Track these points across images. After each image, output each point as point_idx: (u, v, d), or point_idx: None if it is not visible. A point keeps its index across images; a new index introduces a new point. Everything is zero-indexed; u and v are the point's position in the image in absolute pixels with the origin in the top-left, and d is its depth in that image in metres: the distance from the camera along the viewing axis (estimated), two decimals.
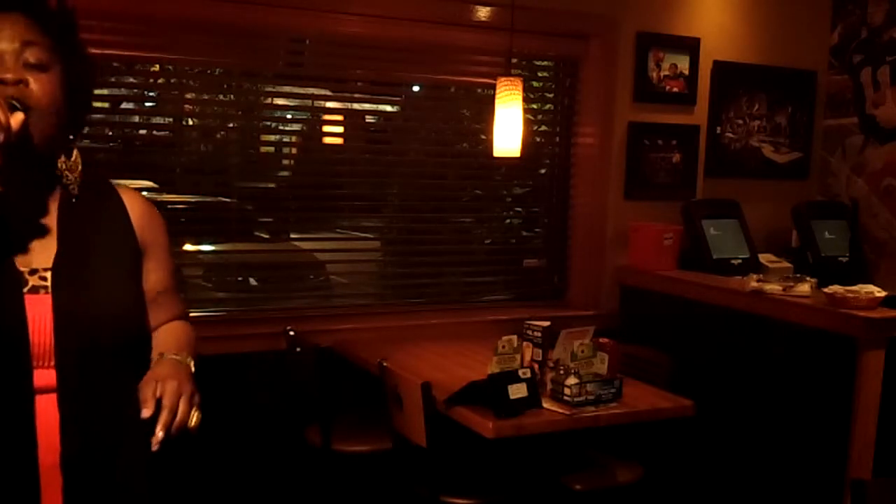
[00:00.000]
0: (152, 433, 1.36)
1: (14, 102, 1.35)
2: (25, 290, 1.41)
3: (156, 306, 1.60)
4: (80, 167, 1.52)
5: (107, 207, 1.55)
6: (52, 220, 1.48)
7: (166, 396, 1.39)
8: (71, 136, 1.51)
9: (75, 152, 1.53)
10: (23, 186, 1.43)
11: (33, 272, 1.43)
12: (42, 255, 1.45)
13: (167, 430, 1.37)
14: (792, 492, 3.44)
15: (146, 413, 1.37)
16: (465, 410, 2.75)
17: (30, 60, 1.40)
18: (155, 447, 1.36)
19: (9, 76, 1.38)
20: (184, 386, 1.44)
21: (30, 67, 1.40)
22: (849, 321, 3.16)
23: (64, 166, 1.50)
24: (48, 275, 1.43)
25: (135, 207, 1.58)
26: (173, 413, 1.39)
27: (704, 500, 3.75)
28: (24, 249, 1.44)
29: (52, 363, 1.40)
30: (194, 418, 1.43)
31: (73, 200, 1.49)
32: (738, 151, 4.49)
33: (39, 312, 1.40)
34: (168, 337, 1.62)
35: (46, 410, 1.39)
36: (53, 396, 1.40)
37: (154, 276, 1.59)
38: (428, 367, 3.22)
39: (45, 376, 1.40)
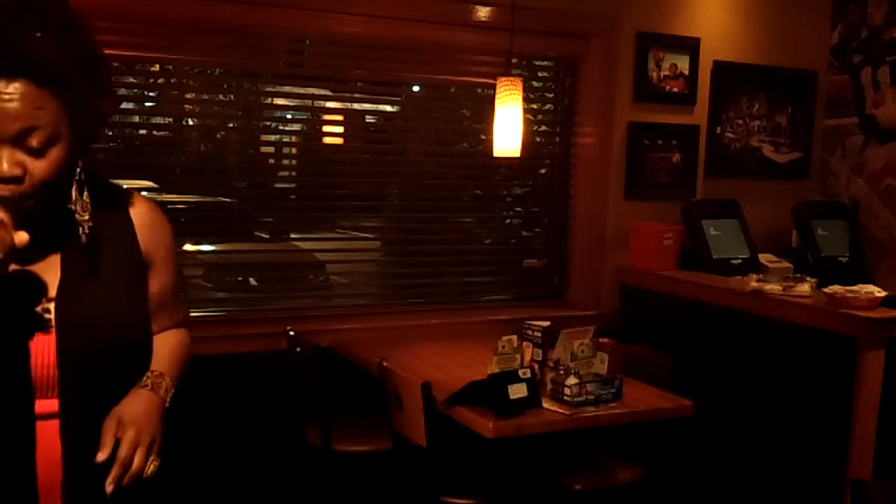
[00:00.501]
0: (107, 475, 1.36)
1: (15, 204, 1.29)
2: None
3: (157, 313, 1.59)
4: (90, 205, 1.43)
5: (112, 223, 1.49)
6: (56, 254, 1.44)
7: (122, 447, 1.37)
8: (80, 172, 1.43)
9: (86, 191, 1.43)
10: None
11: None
12: (45, 283, 1.42)
13: (118, 481, 1.36)
14: (792, 492, 3.44)
15: (100, 457, 1.35)
16: (465, 410, 2.75)
17: (32, 145, 1.31)
18: (108, 494, 1.35)
19: (5, 171, 1.30)
20: (143, 435, 1.40)
21: (31, 152, 1.31)
22: (849, 321, 3.16)
23: (77, 206, 1.42)
24: (51, 306, 1.40)
25: (140, 218, 1.53)
26: (125, 467, 1.37)
27: (704, 500, 3.75)
28: (25, 284, 1.40)
29: (55, 393, 1.39)
30: (150, 468, 1.41)
31: (84, 236, 1.42)
32: (738, 151, 4.49)
33: (42, 343, 1.38)
34: (160, 350, 1.59)
35: (48, 437, 1.38)
36: (55, 423, 1.39)
37: (157, 284, 1.57)
38: (428, 367, 3.22)
39: (47, 404, 1.39)
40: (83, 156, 1.44)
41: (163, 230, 1.57)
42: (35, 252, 1.40)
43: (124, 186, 1.60)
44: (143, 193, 1.70)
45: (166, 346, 1.61)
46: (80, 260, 1.43)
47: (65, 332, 1.39)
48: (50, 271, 1.42)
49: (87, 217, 1.43)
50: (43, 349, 1.38)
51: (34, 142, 1.30)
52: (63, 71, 1.32)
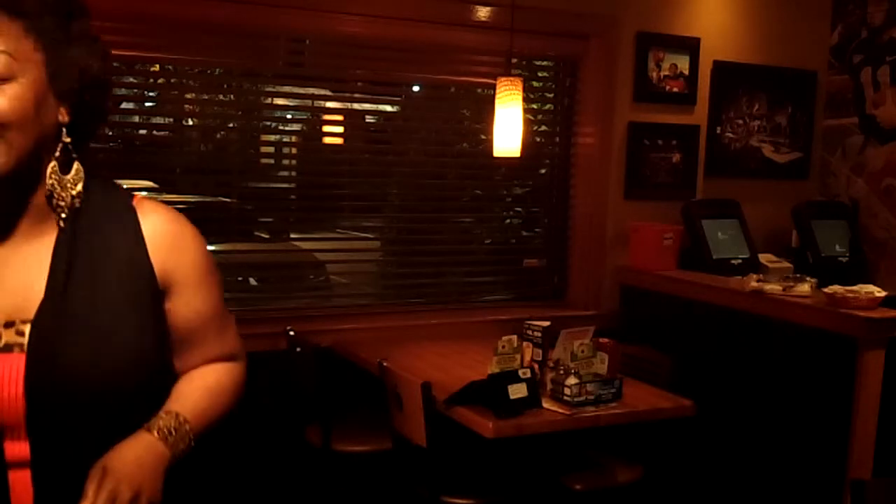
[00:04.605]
0: None
1: None
2: None
3: (186, 347, 1.35)
4: (79, 187, 1.22)
5: (116, 234, 1.25)
6: (45, 254, 1.21)
7: (98, 500, 1.15)
8: (67, 143, 1.22)
9: (75, 166, 1.22)
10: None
11: (9, 325, 1.18)
12: (24, 300, 1.19)
13: None
14: (792, 492, 3.44)
15: None
16: (465, 410, 2.75)
17: None
18: None
19: None
20: (123, 488, 1.16)
21: None
22: (849, 321, 3.16)
23: (57, 186, 1.20)
24: (27, 329, 1.17)
25: (155, 232, 1.27)
26: None
27: (704, 500, 3.75)
28: None
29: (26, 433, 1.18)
30: None
31: (63, 227, 1.22)
32: (738, 151, 4.49)
33: (10, 376, 1.16)
34: (189, 388, 1.36)
35: (24, 487, 1.19)
36: (28, 472, 1.19)
37: (185, 312, 1.32)
38: (428, 367, 3.22)
39: (19, 448, 1.18)
40: (79, 136, 1.24)
41: (186, 247, 1.30)
42: (17, 255, 1.21)
43: (140, 194, 1.35)
44: (144, 194, 1.47)
45: (199, 383, 1.38)
46: (70, 273, 1.20)
47: (37, 361, 1.16)
48: (32, 284, 1.20)
49: (67, 197, 1.21)
50: (9, 378, 1.16)
51: None
52: (40, 3, 1.17)
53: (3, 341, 1.17)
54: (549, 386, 2.89)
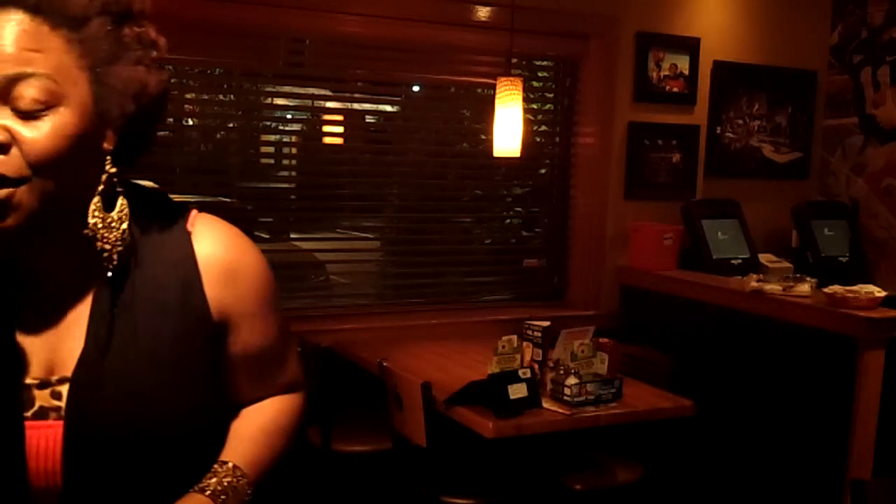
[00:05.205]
0: None
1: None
2: (29, 413, 1.01)
3: (247, 381, 1.19)
4: (124, 226, 1.02)
5: (167, 269, 1.07)
6: (87, 300, 1.04)
7: None
8: (111, 174, 1.02)
9: (120, 203, 1.02)
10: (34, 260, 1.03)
11: (44, 385, 1.02)
12: (61, 353, 1.03)
13: None
14: (792, 492, 3.44)
15: None
16: (465, 410, 2.75)
17: (19, 105, 0.92)
18: None
19: None
20: None
21: (21, 115, 0.93)
22: (849, 321, 3.16)
23: (101, 225, 1.00)
24: (64, 390, 1.01)
25: (210, 261, 1.10)
26: None
27: (704, 500, 3.75)
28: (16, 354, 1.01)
29: None
30: None
31: (109, 266, 1.02)
32: (738, 151, 4.49)
33: (47, 446, 1.00)
34: (246, 430, 1.19)
35: None
36: None
37: (245, 347, 1.15)
38: (428, 367, 3.22)
39: None
40: (125, 158, 1.05)
41: (244, 275, 1.13)
42: (54, 302, 1.04)
43: (193, 211, 1.19)
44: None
45: (257, 426, 1.21)
46: (113, 320, 1.03)
47: (76, 430, 1.00)
48: (71, 335, 1.03)
49: (112, 238, 1.01)
50: (45, 450, 1.00)
51: (24, 98, 0.92)
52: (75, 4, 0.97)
53: (38, 405, 1.01)
54: (549, 386, 2.89)
